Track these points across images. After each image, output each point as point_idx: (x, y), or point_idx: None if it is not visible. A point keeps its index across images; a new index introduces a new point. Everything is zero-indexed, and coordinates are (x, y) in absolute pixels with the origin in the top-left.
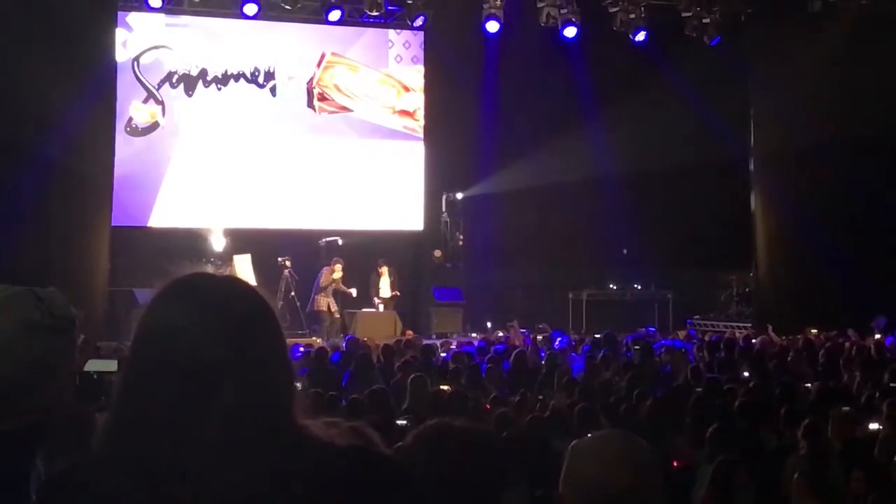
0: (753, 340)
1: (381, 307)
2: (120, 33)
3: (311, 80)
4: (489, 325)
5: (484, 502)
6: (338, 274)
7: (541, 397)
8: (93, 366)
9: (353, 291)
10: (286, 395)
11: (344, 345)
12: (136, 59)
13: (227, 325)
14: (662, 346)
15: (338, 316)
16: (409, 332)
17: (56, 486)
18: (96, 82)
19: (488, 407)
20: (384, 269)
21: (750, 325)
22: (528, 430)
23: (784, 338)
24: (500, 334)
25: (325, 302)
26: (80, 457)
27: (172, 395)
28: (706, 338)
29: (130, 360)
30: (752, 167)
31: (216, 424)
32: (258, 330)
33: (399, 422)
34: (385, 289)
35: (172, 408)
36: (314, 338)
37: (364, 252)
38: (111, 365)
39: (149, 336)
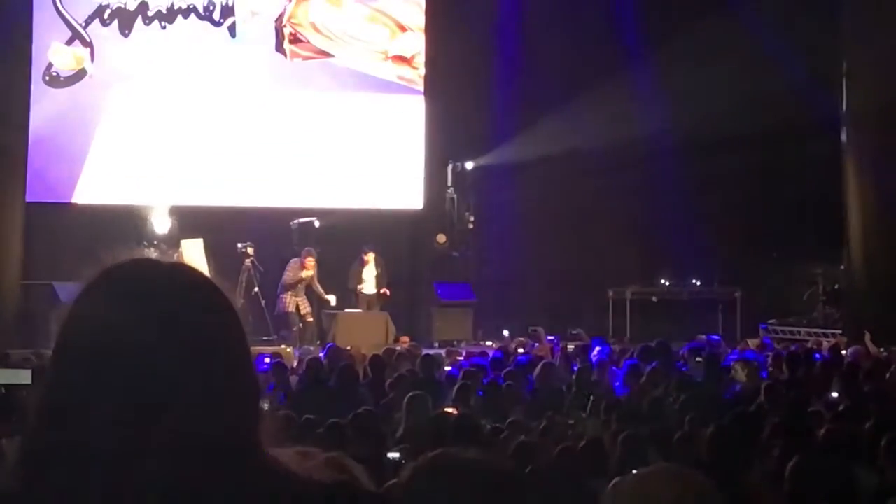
0: (844, 352)
1: (364, 306)
2: None
3: (281, 16)
4: (506, 332)
5: None
6: (308, 272)
7: (572, 423)
8: (1, 377)
9: (332, 299)
10: (249, 417)
11: (323, 356)
12: None
13: (175, 327)
14: (730, 358)
15: (310, 319)
16: (405, 339)
17: None
18: (5, 19)
19: (507, 435)
20: (370, 258)
21: (840, 331)
22: (556, 465)
23: (883, 350)
24: (522, 343)
25: (294, 301)
26: None
27: (103, 417)
28: (784, 348)
29: (51, 373)
30: (844, 132)
31: (160, 454)
32: (214, 334)
33: (391, 454)
34: (369, 283)
35: (103, 434)
36: (283, 346)
37: (347, 237)
38: (24, 376)
39: (73, 342)
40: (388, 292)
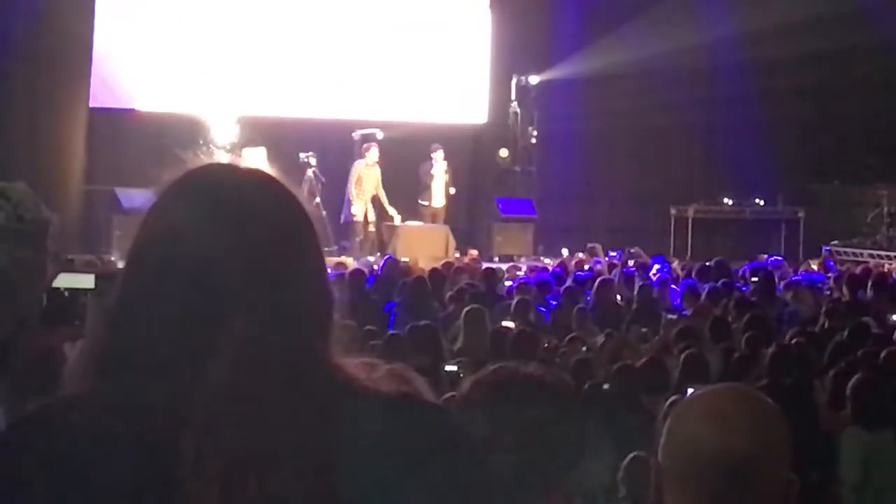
0: None
1: (428, 219)
2: None
3: None
4: (565, 250)
5: (559, 470)
6: (373, 155)
7: (632, 339)
8: (64, 281)
9: (395, 215)
10: (321, 328)
11: (380, 268)
12: None
13: (253, 236)
14: (792, 279)
15: (372, 229)
16: (473, 252)
17: (24, 432)
18: None
19: (565, 351)
20: (438, 156)
21: None
22: (616, 381)
23: None
24: (581, 261)
25: (362, 208)
26: (50, 396)
27: (171, 322)
28: (846, 270)
29: (124, 275)
30: None
31: (226, 360)
32: (293, 244)
33: (449, 367)
34: (437, 193)
35: (171, 337)
36: (343, 256)
37: (410, 150)
38: (86, 281)
39: (147, 246)
40: (453, 190)
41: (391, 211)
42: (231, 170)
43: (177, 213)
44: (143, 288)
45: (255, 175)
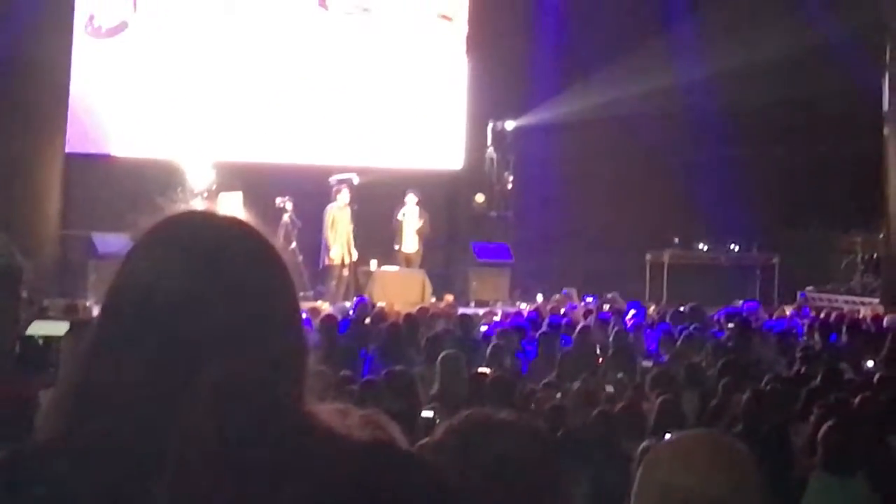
0: (884, 321)
1: (403, 263)
2: None
3: None
4: (540, 296)
5: None
6: (344, 198)
7: (608, 387)
8: (38, 328)
9: (373, 262)
10: (295, 375)
11: (352, 310)
12: None
13: (228, 283)
14: (767, 325)
15: (347, 273)
16: (449, 297)
17: None
18: None
19: (541, 396)
20: (410, 200)
21: (877, 300)
22: (592, 427)
23: None
24: (556, 307)
25: (339, 252)
26: (21, 442)
27: (146, 366)
28: (821, 316)
29: (99, 320)
30: (885, 98)
31: (201, 406)
32: (268, 292)
33: (424, 413)
34: (409, 240)
35: (145, 383)
36: (320, 301)
37: (386, 195)
38: (59, 328)
39: (124, 289)
40: (423, 224)
41: (355, 253)
42: (207, 217)
43: (153, 260)
44: (118, 334)
45: (231, 222)
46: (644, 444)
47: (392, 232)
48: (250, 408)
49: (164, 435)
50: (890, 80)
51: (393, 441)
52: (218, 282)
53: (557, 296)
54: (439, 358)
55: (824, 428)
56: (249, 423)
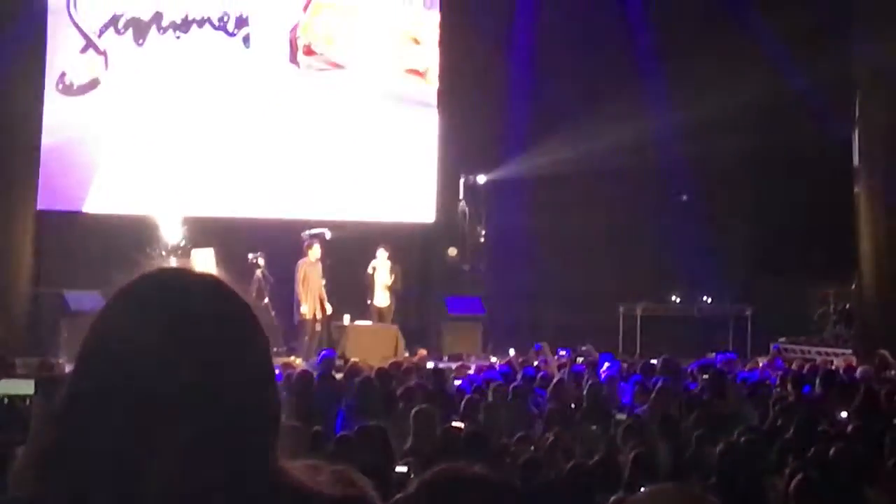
0: (857, 372)
1: (375, 318)
2: None
3: (295, 27)
4: (512, 351)
5: None
6: (315, 253)
7: (581, 439)
8: (5, 387)
9: (346, 316)
10: (267, 432)
11: (317, 364)
12: None
13: (200, 341)
14: (741, 377)
15: (320, 328)
16: (422, 351)
17: None
18: (20, 27)
19: (515, 450)
20: (381, 255)
21: (850, 351)
22: (566, 481)
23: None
24: (527, 361)
25: (311, 307)
26: None
27: (117, 425)
28: (794, 367)
29: (71, 378)
30: (855, 150)
31: (173, 462)
32: (241, 349)
33: (398, 468)
34: (380, 295)
35: (116, 442)
36: (293, 357)
37: (359, 250)
38: (26, 387)
39: (96, 349)
40: (393, 278)
41: (328, 306)
42: (180, 274)
43: (126, 318)
44: (91, 391)
45: (204, 280)
46: (614, 497)
47: (364, 286)
48: (222, 465)
49: (136, 494)
50: (859, 135)
51: (364, 496)
52: (191, 340)
53: (531, 351)
54: (412, 412)
55: (796, 481)
56: (221, 481)
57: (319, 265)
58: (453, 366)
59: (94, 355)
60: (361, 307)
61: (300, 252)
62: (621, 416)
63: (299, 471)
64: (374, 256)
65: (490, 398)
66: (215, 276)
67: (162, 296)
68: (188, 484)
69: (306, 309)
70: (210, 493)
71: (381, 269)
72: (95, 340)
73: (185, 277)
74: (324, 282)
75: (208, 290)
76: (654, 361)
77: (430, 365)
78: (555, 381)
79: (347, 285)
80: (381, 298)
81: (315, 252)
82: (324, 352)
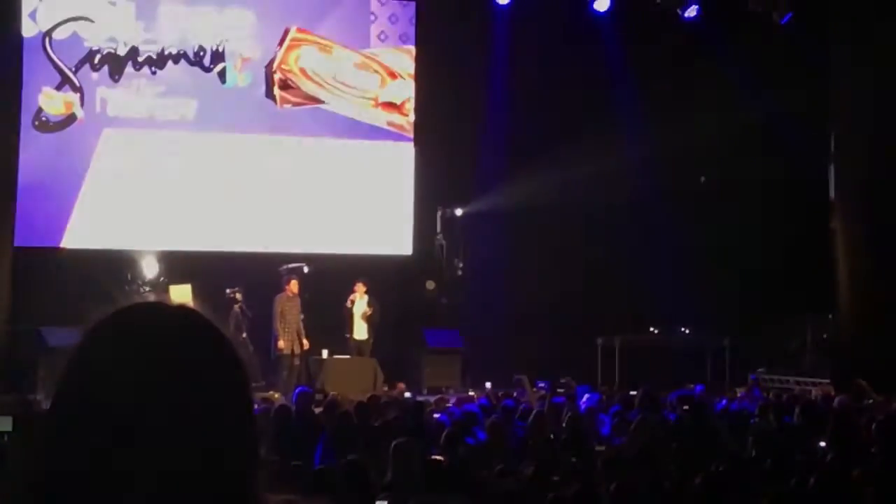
0: (835, 402)
1: (354, 352)
2: (28, 1)
3: (272, 62)
4: (489, 384)
5: None
6: (293, 288)
7: (561, 471)
8: None
9: (325, 351)
10: (245, 467)
11: (293, 400)
12: (48, 33)
13: (178, 377)
14: (719, 407)
15: (298, 362)
16: (401, 385)
17: None
18: None
19: (494, 483)
20: (359, 289)
21: (828, 380)
22: None
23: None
24: (507, 394)
25: (288, 342)
26: None
27: (96, 460)
28: (772, 397)
29: (48, 414)
30: (831, 180)
31: (148, 499)
32: (219, 384)
33: (378, 502)
34: (359, 328)
35: (95, 477)
36: (272, 392)
37: (336, 283)
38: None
39: (72, 386)
40: (370, 309)
41: (305, 342)
42: (158, 308)
43: (102, 354)
44: (66, 428)
45: (183, 313)
46: None
47: (343, 320)
48: (199, 499)
49: None
50: (835, 167)
51: None
52: (168, 375)
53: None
54: (392, 446)
55: None
56: None
57: (297, 300)
58: (432, 399)
59: (71, 392)
60: (340, 341)
61: (278, 286)
62: (600, 448)
63: None
64: (351, 290)
65: (471, 432)
66: (192, 310)
67: (140, 329)
68: None
69: (285, 343)
70: None
71: (360, 302)
72: (71, 376)
73: (161, 311)
74: (302, 316)
75: (185, 323)
76: (633, 393)
77: (408, 397)
78: (534, 413)
79: (325, 319)
80: (360, 332)
81: (293, 287)
82: (299, 388)
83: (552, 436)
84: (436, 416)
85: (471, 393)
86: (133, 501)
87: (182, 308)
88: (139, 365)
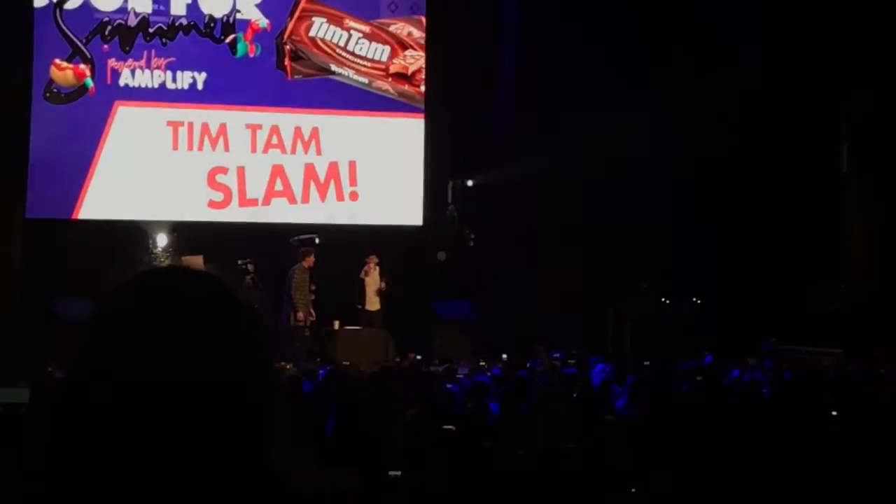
0: (847, 370)
1: (365, 323)
2: None
3: (282, 33)
4: (505, 356)
5: None
6: (306, 258)
7: (573, 442)
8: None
9: (312, 314)
10: (265, 435)
11: (322, 375)
12: (59, 4)
13: (202, 338)
14: (731, 377)
15: (309, 333)
16: (413, 356)
17: None
18: (6, 34)
19: (508, 453)
20: (372, 262)
21: (840, 350)
22: (559, 485)
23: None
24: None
25: (303, 313)
26: None
27: (117, 432)
28: (784, 367)
29: (66, 387)
30: (844, 144)
31: (170, 468)
32: (244, 345)
33: (392, 472)
34: (371, 298)
35: (116, 447)
36: (283, 363)
37: (348, 254)
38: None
39: (93, 353)
40: (385, 285)
41: (311, 312)
42: (180, 274)
43: (124, 317)
44: (87, 396)
45: (207, 280)
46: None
47: (355, 292)
48: (218, 466)
49: (135, 498)
50: (847, 121)
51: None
52: (194, 339)
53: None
54: (406, 417)
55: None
56: (218, 482)
57: (309, 271)
58: (442, 370)
59: (93, 357)
60: (351, 312)
61: (289, 258)
62: (612, 418)
63: (294, 474)
64: (362, 261)
65: (482, 402)
66: (215, 276)
67: (161, 294)
68: (184, 487)
69: (301, 316)
70: (211, 493)
71: (372, 274)
72: (93, 341)
73: (184, 276)
74: (314, 287)
75: (210, 290)
76: (646, 363)
77: (421, 369)
78: (545, 382)
79: (336, 290)
80: (373, 303)
81: (310, 261)
82: (323, 368)
83: (564, 406)
84: (448, 386)
85: (482, 364)
86: (153, 471)
87: (204, 274)
88: (163, 329)
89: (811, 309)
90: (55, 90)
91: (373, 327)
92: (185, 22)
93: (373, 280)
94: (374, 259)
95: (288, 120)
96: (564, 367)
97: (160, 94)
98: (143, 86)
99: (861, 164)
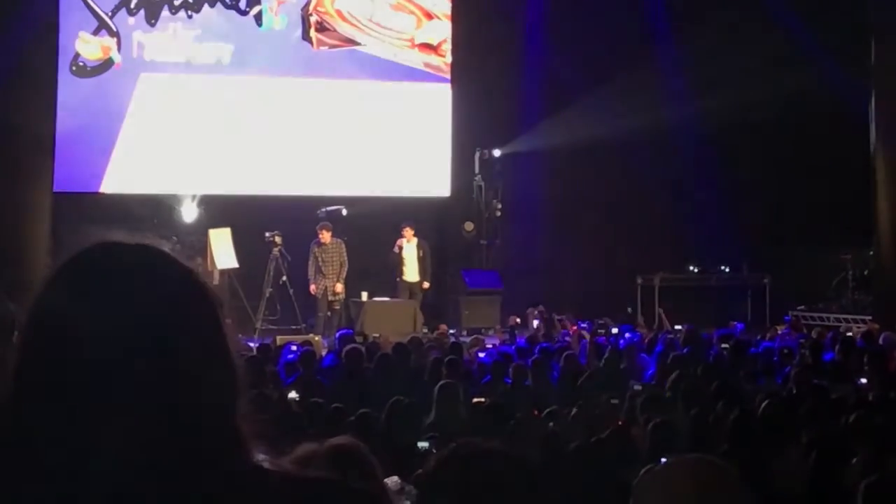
0: (881, 338)
1: (406, 294)
2: None
3: (308, 4)
4: (536, 322)
5: None
6: (325, 237)
7: (600, 411)
8: None
9: (340, 287)
10: (223, 398)
11: (336, 341)
12: None
13: (137, 319)
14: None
15: (337, 307)
16: (443, 326)
17: None
18: (32, 8)
19: (534, 423)
20: (408, 234)
21: (869, 317)
22: (586, 453)
23: None
24: (550, 334)
25: (323, 284)
26: None
27: (58, 417)
28: (813, 334)
29: (8, 368)
30: (872, 113)
31: (117, 456)
32: (184, 322)
33: (421, 443)
34: (410, 269)
35: (57, 435)
36: (312, 334)
37: (375, 226)
38: None
39: (32, 335)
40: (427, 285)
41: (340, 285)
42: (114, 248)
43: (59, 301)
44: (30, 378)
45: (141, 250)
46: (642, 470)
47: (391, 263)
48: (173, 456)
49: (75, 492)
50: (876, 101)
51: (342, 478)
52: (130, 320)
53: (557, 316)
54: (437, 387)
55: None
56: (171, 473)
57: (334, 243)
58: (470, 340)
59: (35, 337)
60: (378, 283)
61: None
62: (638, 387)
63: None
64: (389, 232)
65: (511, 373)
66: (151, 245)
67: (95, 272)
68: (136, 478)
69: (327, 286)
70: (164, 485)
71: (408, 247)
72: (30, 325)
73: (117, 250)
74: (344, 259)
75: (144, 260)
76: (674, 331)
77: (451, 339)
78: (565, 354)
79: (364, 261)
80: (411, 273)
81: (324, 235)
82: (341, 331)
83: (592, 376)
84: (480, 355)
85: (506, 336)
86: (110, 437)
87: (140, 244)
88: (94, 308)
89: (840, 277)
90: (81, 64)
91: (413, 297)
92: None
93: (410, 252)
94: (409, 231)
95: (314, 91)
96: (595, 336)
97: (186, 67)
98: (168, 59)
99: (888, 124)
